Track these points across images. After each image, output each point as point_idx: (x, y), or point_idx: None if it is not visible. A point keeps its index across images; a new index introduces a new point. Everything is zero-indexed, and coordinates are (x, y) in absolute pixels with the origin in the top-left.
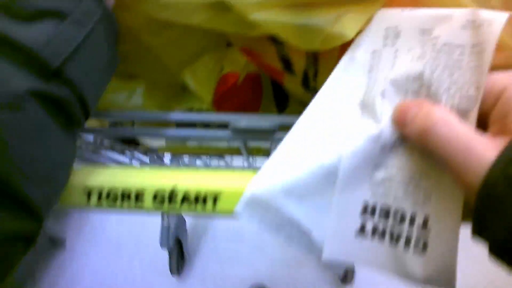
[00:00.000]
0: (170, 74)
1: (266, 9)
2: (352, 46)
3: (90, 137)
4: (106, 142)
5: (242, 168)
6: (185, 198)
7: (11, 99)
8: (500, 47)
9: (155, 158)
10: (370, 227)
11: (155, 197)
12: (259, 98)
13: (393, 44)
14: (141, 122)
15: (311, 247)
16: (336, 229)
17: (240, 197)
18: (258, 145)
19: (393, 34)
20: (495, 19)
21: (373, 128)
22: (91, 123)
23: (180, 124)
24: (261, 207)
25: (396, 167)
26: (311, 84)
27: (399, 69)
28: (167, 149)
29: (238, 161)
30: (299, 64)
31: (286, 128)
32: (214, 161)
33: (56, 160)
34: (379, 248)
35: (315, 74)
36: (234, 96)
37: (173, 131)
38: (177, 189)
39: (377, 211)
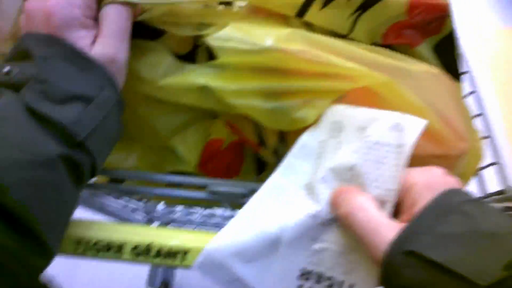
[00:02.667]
0: (162, 139)
1: (241, 96)
2: (305, 134)
3: None
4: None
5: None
6: (158, 253)
7: (46, 160)
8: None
9: (148, 205)
10: None
11: (133, 250)
12: (240, 162)
13: (337, 137)
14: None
15: None
16: None
17: None
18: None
19: (337, 128)
20: (415, 125)
21: (313, 207)
22: None
23: (169, 184)
24: (215, 264)
25: (330, 241)
26: (279, 157)
27: (338, 159)
28: (159, 198)
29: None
30: (271, 141)
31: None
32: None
33: (67, 210)
34: None
35: (284, 149)
36: (218, 160)
37: (158, 190)
38: (152, 244)
39: (312, 277)
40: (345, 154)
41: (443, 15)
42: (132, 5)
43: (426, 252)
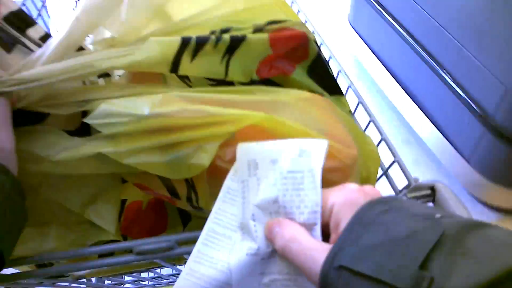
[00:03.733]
0: (76, 215)
1: (135, 155)
2: (227, 178)
3: None
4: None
5: None
6: None
7: None
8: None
9: (95, 284)
10: None
11: None
12: (165, 219)
13: (255, 174)
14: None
15: None
16: None
17: None
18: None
19: (253, 166)
20: (319, 147)
21: (252, 245)
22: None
23: (101, 255)
24: None
25: (276, 272)
26: (195, 205)
27: (261, 195)
28: (93, 274)
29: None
30: (182, 191)
31: (184, 242)
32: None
33: None
34: None
35: (197, 197)
36: (141, 221)
37: (91, 263)
38: None
39: None
40: (265, 189)
41: (304, 42)
42: (7, 95)
43: (353, 264)
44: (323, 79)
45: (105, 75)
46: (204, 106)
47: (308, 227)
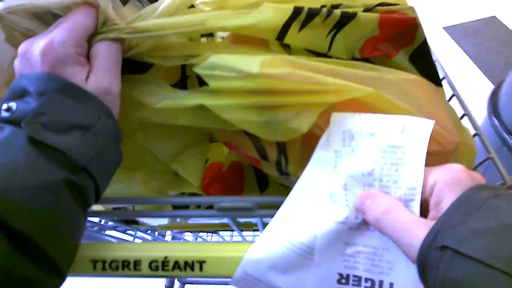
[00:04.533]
0: (162, 165)
1: (235, 111)
2: (318, 146)
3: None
4: (110, 224)
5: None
6: (175, 265)
7: (51, 184)
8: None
9: (156, 235)
10: None
11: (150, 265)
12: (242, 183)
13: (350, 145)
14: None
15: None
16: None
17: (222, 263)
18: (248, 221)
19: (348, 136)
20: (424, 126)
21: (341, 213)
22: (97, 207)
23: (176, 206)
24: (252, 279)
25: (362, 244)
26: (284, 170)
27: (356, 166)
28: (165, 227)
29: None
30: (272, 154)
31: (264, 206)
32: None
33: (76, 232)
34: None
35: (287, 162)
36: (220, 182)
37: (169, 212)
38: (168, 258)
39: (351, 280)
40: (361, 160)
41: (412, 27)
42: (120, 41)
43: (459, 246)
44: (425, 67)
45: (209, 35)
46: (310, 73)
47: (404, 202)
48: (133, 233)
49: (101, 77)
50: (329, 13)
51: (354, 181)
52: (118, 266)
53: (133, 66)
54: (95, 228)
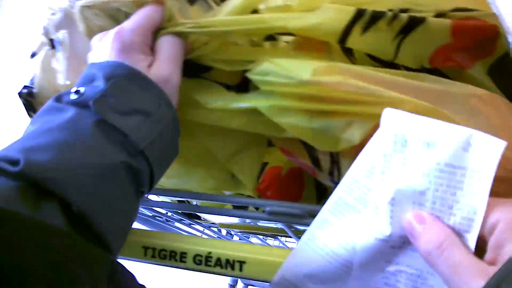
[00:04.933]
0: (220, 164)
1: (286, 115)
2: (366, 148)
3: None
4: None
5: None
6: (217, 262)
7: (112, 166)
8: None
9: (223, 234)
10: None
11: (194, 258)
12: (301, 190)
13: (402, 152)
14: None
15: None
16: None
17: (261, 266)
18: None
19: (401, 141)
20: (493, 146)
21: (383, 230)
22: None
23: (235, 206)
24: (290, 285)
25: (405, 264)
26: (336, 181)
27: (407, 181)
28: (225, 225)
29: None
30: (325, 163)
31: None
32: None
33: (128, 216)
34: None
35: (339, 173)
36: (278, 186)
37: (222, 211)
38: (211, 254)
39: None
40: (414, 176)
41: (492, 37)
42: (184, 37)
43: None
44: (506, 82)
45: (272, 38)
46: (363, 83)
47: (458, 233)
48: (201, 229)
49: (163, 66)
50: (394, 16)
51: (402, 197)
52: (166, 255)
53: (193, 68)
54: (164, 218)
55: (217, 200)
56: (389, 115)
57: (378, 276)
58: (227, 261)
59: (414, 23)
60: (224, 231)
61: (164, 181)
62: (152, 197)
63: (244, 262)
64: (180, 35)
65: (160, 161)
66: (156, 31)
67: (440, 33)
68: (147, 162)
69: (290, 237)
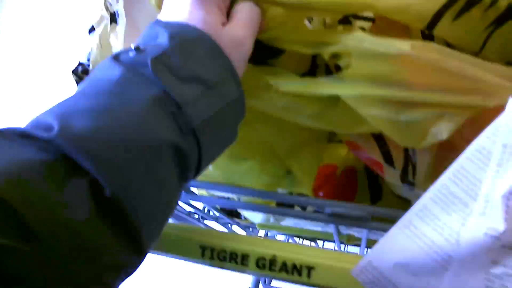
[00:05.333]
0: (277, 160)
1: (372, 104)
2: (482, 135)
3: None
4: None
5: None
6: (283, 267)
7: (157, 145)
8: None
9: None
10: None
11: (257, 262)
12: (354, 190)
13: None
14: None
15: None
16: None
17: (332, 272)
18: (351, 234)
19: None
20: None
21: (495, 226)
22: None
23: (280, 204)
24: (376, 273)
25: None
26: (409, 180)
27: None
28: (264, 226)
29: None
30: (398, 160)
31: (378, 218)
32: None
33: (168, 206)
34: None
35: (414, 171)
36: (332, 185)
37: (276, 209)
38: (277, 257)
39: None
40: None
41: None
42: (262, 10)
43: None
44: None
45: (346, 21)
46: (462, 63)
47: None
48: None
49: (239, 28)
50: (492, 3)
51: None
52: (226, 257)
53: (264, 52)
54: (199, 215)
55: (275, 199)
56: None
57: (479, 277)
58: (294, 266)
59: None
60: (262, 232)
61: (209, 172)
62: None
63: (312, 268)
64: (259, 4)
65: (213, 145)
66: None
67: None
68: (197, 144)
69: (332, 241)
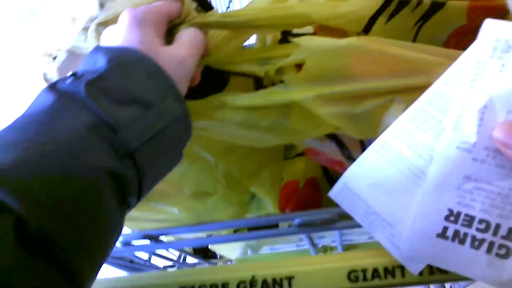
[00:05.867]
0: (237, 188)
1: (327, 103)
2: (459, 59)
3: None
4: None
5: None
6: (264, 284)
7: (92, 172)
8: None
9: None
10: (452, 232)
11: (238, 287)
12: (319, 197)
13: (501, 58)
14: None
15: (391, 240)
16: (418, 228)
17: (311, 277)
18: (326, 244)
19: (502, 47)
20: None
21: (468, 138)
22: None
23: (251, 229)
24: (351, 195)
25: (485, 181)
26: None
27: (503, 85)
28: (243, 261)
29: None
30: (357, 153)
31: (346, 217)
32: None
33: (110, 234)
34: (459, 251)
35: None
36: (297, 199)
37: (246, 235)
38: (256, 277)
39: (461, 219)
40: None
41: (501, 17)
42: (205, 32)
43: None
44: None
45: (287, 41)
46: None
47: None
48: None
49: (181, 47)
50: (419, 3)
51: (496, 104)
52: None
53: (210, 83)
54: (176, 265)
55: (245, 224)
56: (489, 24)
57: (451, 194)
58: (274, 280)
59: (436, 7)
60: None
61: (176, 216)
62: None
63: (292, 277)
64: (202, 27)
65: (154, 167)
66: (174, 27)
67: (456, 15)
68: (136, 168)
69: None
